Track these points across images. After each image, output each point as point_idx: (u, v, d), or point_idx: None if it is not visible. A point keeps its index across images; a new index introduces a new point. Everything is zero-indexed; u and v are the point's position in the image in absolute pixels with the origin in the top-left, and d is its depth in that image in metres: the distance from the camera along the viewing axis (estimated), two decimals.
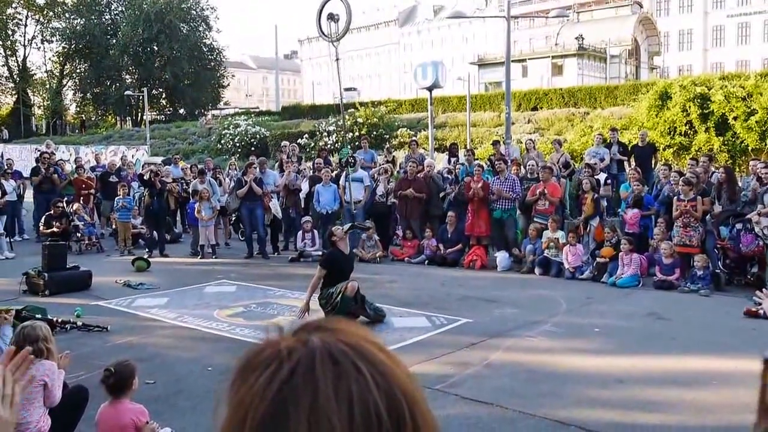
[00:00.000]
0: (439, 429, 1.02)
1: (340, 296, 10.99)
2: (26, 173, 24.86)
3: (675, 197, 14.87)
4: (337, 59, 19.00)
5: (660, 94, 29.02)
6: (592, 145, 22.20)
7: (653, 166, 19.65)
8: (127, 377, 5.68)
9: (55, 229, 18.15)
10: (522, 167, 18.46)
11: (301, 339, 1.02)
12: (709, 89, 27.67)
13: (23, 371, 2.00)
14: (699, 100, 27.46)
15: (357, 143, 32.37)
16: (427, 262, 17.35)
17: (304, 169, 21.78)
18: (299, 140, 38.11)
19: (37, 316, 10.03)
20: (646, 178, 18.09)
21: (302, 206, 19.70)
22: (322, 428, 0.92)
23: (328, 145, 37.00)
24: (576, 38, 74.71)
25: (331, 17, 18.40)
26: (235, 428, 0.98)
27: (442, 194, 18.27)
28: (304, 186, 19.76)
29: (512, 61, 29.77)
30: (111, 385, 5.59)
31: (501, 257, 16.67)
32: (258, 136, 45.64)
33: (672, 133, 27.79)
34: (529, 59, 76.53)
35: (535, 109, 43.62)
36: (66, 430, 6.13)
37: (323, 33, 18.81)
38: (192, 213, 19.05)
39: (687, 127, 27.67)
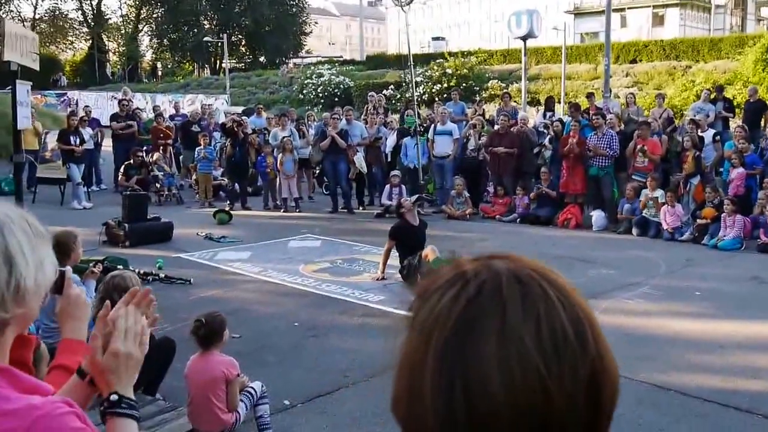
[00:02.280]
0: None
1: (417, 259, 11.03)
2: (103, 121, 25.33)
3: None
4: (407, 25, 19.01)
5: (767, 47, 28.33)
6: (695, 99, 21.77)
7: (763, 124, 19.18)
8: (218, 328, 5.79)
9: (135, 186, 18.40)
10: (622, 123, 18.13)
11: (483, 263, 1.05)
12: None
13: (146, 311, 2.09)
14: None
15: (446, 95, 32.29)
16: (519, 220, 17.29)
17: (391, 121, 21.68)
18: (385, 91, 38.00)
19: (118, 267, 10.31)
20: (754, 137, 17.70)
21: (386, 161, 19.73)
22: (512, 345, 0.96)
23: (416, 96, 36.91)
24: None
25: None
26: (418, 349, 1.01)
27: (536, 150, 18.12)
28: (391, 139, 19.77)
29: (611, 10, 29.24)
30: (201, 337, 5.71)
31: (597, 216, 16.51)
32: (342, 86, 45.68)
33: None
34: (628, 8, 74.99)
35: (633, 61, 42.87)
36: (153, 381, 6.32)
37: None
38: (260, 167, 19.33)
39: None
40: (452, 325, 0.99)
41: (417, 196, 14.76)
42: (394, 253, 11.62)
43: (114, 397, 1.91)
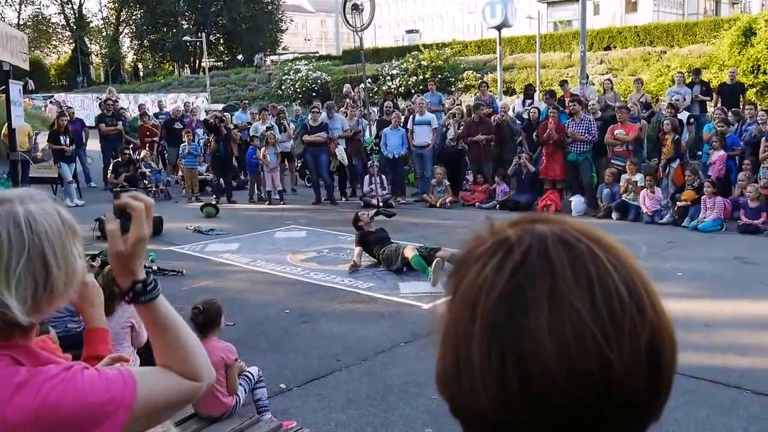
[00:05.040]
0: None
1: (399, 259, 11.25)
2: (88, 122, 25.30)
3: (763, 137, 14.61)
4: (362, 50, 19.18)
5: (743, 30, 28.29)
6: (671, 84, 21.79)
7: (741, 106, 19.23)
8: (215, 315, 5.85)
9: (124, 183, 18.47)
10: (598, 110, 18.13)
11: (525, 228, 1.00)
12: None
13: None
14: None
15: (422, 87, 32.29)
16: (498, 207, 17.29)
17: (370, 113, 21.60)
18: (361, 84, 37.96)
19: None
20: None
21: (367, 153, 19.67)
22: (564, 310, 0.91)
23: (392, 89, 36.88)
24: None
25: (355, 8, 18.40)
26: (464, 321, 0.96)
27: (518, 139, 18.15)
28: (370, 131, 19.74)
29: None
30: (200, 323, 5.73)
31: (576, 202, 16.52)
32: (319, 81, 45.62)
33: (756, 71, 27.11)
34: None
35: (608, 48, 42.84)
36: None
37: (348, 24, 18.87)
38: (250, 159, 19.29)
39: None
40: (498, 295, 0.94)
41: (375, 210, 14.96)
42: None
43: (139, 286, 1.82)
